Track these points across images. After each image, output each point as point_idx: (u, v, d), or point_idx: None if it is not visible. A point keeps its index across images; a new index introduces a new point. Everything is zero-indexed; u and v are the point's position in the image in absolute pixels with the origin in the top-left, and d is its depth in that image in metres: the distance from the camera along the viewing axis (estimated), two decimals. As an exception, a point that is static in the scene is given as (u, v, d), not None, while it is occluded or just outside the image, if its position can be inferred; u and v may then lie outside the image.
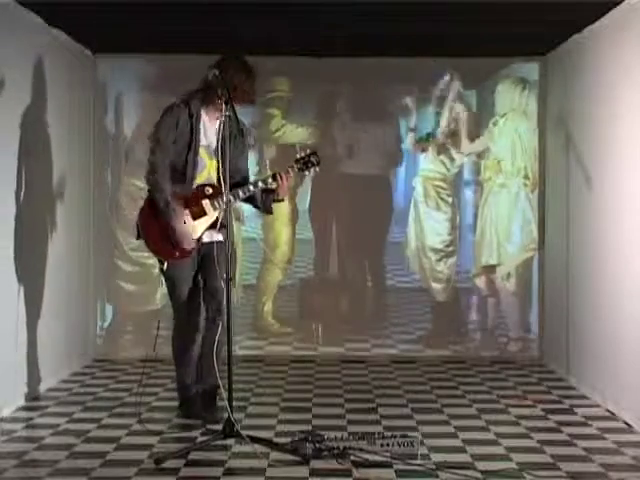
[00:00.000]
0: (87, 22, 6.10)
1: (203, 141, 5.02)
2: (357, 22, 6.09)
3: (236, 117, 4.75)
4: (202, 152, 5.02)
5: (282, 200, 5.27)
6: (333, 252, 7.57)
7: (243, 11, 5.74)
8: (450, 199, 7.43)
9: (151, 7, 5.64)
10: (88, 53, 7.08)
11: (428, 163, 7.43)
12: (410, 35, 6.47)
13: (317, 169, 5.13)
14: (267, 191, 5.15)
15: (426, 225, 7.45)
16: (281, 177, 5.06)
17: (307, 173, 5.14)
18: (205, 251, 5.08)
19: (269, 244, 7.42)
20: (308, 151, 5.13)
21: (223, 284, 4.77)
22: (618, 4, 5.48)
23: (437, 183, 7.43)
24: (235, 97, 4.77)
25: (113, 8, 5.63)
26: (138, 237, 5.09)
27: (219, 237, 5.06)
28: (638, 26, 5.21)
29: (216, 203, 4.99)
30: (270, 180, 5.08)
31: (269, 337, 7.40)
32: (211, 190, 5.01)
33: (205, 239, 5.06)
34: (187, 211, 4.98)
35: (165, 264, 5.00)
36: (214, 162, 5.02)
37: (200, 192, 5.01)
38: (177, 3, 5.54)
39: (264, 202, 5.20)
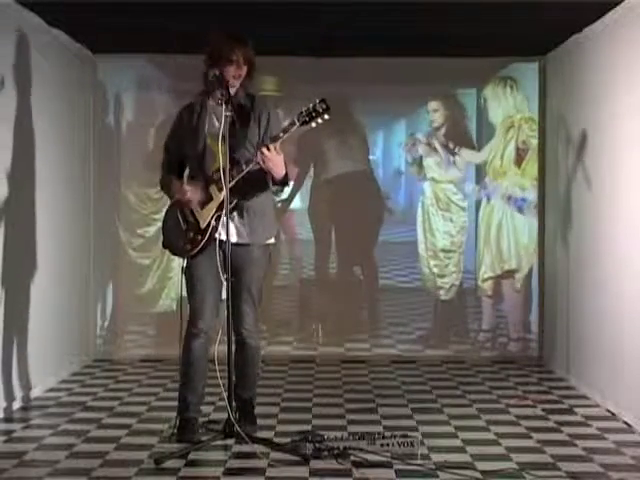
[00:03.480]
0: (87, 22, 6.10)
1: (211, 130, 4.74)
2: (357, 22, 6.09)
3: (241, 108, 4.61)
4: (211, 142, 4.72)
5: (282, 183, 4.70)
6: (333, 252, 7.57)
7: (243, 11, 5.74)
8: (462, 202, 7.43)
9: (151, 7, 5.64)
10: (88, 53, 7.08)
11: (434, 167, 7.43)
12: (410, 35, 6.47)
13: (326, 116, 4.52)
14: (264, 172, 4.65)
15: (436, 226, 7.45)
16: (262, 152, 4.54)
17: (314, 124, 4.56)
18: (232, 257, 4.63)
19: None
20: (316, 100, 4.56)
21: (249, 305, 4.69)
22: (618, 4, 5.48)
23: (445, 186, 7.43)
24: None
25: (113, 8, 5.63)
26: (164, 245, 4.93)
27: (244, 238, 4.73)
28: (638, 26, 5.21)
29: (220, 184, 4.62)
30: (253, 159, 4.61)
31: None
32: (218, 174, 4.63)
33: (231, 238, 4.63)
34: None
35: (185, 262, 4.79)
36: (224, 149, 4.61)
37: (210, 179, 4.72)
38: (177, 3, 5.54)
39: (268, 185, 4.73)
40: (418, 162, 7.43)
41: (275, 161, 4.59)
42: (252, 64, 4.77)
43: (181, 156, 4.88)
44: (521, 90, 7.33)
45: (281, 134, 4.59)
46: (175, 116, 4.95)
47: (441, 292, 7.49)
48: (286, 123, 4.62)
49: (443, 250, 7.48)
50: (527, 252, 7.32)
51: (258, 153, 4.57)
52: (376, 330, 7.57)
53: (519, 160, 7.31)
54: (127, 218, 7.31)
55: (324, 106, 4.53)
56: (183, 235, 4.79)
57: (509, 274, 7.37)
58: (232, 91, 4.69)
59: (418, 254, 7.51)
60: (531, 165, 7.29)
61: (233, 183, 4.61)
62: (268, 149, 4.55)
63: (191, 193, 4.72)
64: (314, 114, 4.54)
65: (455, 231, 7.45)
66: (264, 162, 4.58)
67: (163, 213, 5.01)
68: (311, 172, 7.51)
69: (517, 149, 7.32)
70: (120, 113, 7.38)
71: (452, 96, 7.45)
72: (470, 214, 7.46)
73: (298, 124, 4.56)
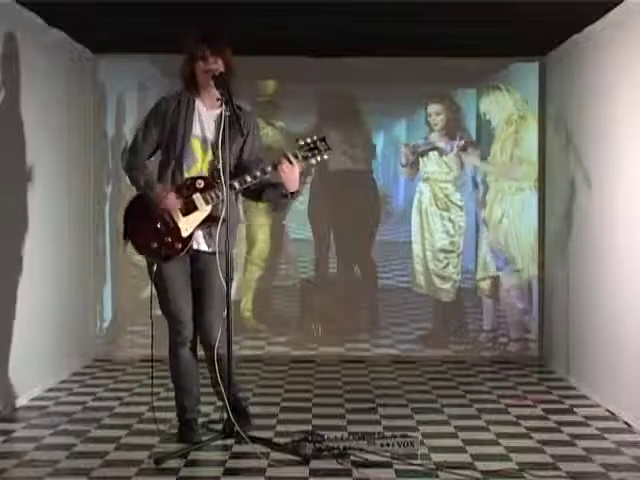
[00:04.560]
0: (87, 22, 6.10)
1: (196, 132, 4.60)
2: (357, 22, 6.08)
3: (236, 115, 4.42)
4: (195, 143, 4.60)
5: (295, 195, 4.63)
6: (332, 252, 7.57)
7: (243, 11, 5.74)
8: (459, 201, 7.43)
9: (151, 7, 5.64)
10: (88, 53, 7.08)
11: (433, 166, 7.43)
12: (410, 35, 6.47)
13: (326, 156, 4.57)
14: (274, 185, 4.62)
15: (435, 226, 7.45)
16: (282, 165, 4.49)
17: (314, 162, 4.59)
18: (199, 265, 4.65)
19: (248, 240, 7.44)
20: (315, 136, 4.57)
21: (217, 313, 4.50)
22: (618, 4, 5.48)
23: (444, 185, 7.42)
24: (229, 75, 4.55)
25: (113, 8, 5.63)
26: (125, 237, 4.66)
27: (214, 247, 4.55)
28: (638, 26, 5.21)
29: (208, 196, 4.52)
30: (269, 169, 4.53)
31: (243, 333, 7.33)
32: (203, 183, 4.53)
33: (200, 246, 4.63)
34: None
35: (155, 267, 4.58)
36: (208, 156, 4.59)
37: (191, 185, 4.54)
38: (177, 3, 5.54)
39: (273, 198, 4.68)
40: (411, 164, 7.42)
41: (295, 175, 4.54)
42: (225, 59, 4.57)
43: (155, 145, 4.65)
44: (519, 90, 7.33)
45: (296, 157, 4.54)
46: (155, 103, 4.74)
47: (441, 292, 7.49)
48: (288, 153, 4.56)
49: (442, 250, 7.47)
50: (528, 252, 7.32)
51: (284, 161, 4.51)
52: (376, 330, 7.57)
53: (520, 154, 7.31)
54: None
55: (325, 146, 4.55)
56: (158, 236, 4.57)
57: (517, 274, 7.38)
58: (217, 93, 4.51)
59: (412, 254, 7.50)
60: (530, 161, 7.29)
61: (243, 188, 4.53)
62: (290, 162, 4.52)
63: (174, 203, 4.53)
64: (316, 152, 4.55)
65: (454, 231, 7.45)
66: (285, 172, 4.52)
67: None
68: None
69: (517, 143, 7.32)
70: (120, 113, 7.39)
71: (453, 99, 7.44)
72: (470, 213, 7.46)
73: (301, 158, 4.54)
